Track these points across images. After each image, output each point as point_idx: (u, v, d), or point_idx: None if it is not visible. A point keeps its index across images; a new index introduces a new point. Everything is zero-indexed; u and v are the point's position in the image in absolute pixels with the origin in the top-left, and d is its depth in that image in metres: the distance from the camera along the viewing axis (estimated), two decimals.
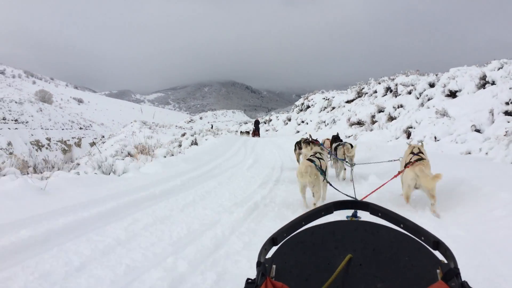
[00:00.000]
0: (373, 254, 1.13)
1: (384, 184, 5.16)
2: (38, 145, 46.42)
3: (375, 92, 23.05)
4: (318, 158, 5.26)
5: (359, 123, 18.74)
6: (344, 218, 1.43)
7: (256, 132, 29.47)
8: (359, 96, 26.40)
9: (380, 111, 17.49)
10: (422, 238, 1.13)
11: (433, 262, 1.06)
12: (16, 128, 46.21)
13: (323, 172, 5.12)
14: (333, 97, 31.64)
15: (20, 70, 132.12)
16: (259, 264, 1.06)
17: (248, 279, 1.02)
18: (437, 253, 1.09)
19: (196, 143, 13.38)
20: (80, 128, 58.61)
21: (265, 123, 50.55)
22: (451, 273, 0.92)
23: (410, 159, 4.81)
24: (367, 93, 25.15)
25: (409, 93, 16.94)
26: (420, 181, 4.50)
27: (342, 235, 1.23)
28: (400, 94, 17.91)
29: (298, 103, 40.51)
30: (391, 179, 5.12)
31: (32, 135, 46.91)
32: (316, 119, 29.64)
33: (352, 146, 7.02)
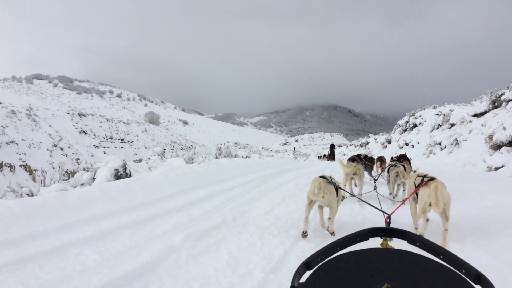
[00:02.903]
0: (411, 285, 1.06)
1: (406, 199, 4.87)
2: None
3: None
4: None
5: None
6: (379, 245, 1.37)
7: (331, 156, 29.41)
8: (496, 107, 17.82)
9: None
10: (463, 271, 1.07)
11: None
12: (121, 147, 48.40)
13: (337, 187, 4.81)
14: (452, 111, 23.11)
15: (135, 93, 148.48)
16: None
17: None
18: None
19: (128, 174, 7.24)
20: (182, 149, 59.61)
21: (361, 146, 43.95)
22: None
23: (422, 179, 4.44)
24: (510, 100, 16.58)
25: None
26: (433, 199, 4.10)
27: (378, 263, 1.17)
28: None
29: (401, 121, 32.47)
30: (411, 195, 4.59)
31: (136, 154, 48.53)
32: (426, 140, 21.98)
33: (405, 168, 6.60)
